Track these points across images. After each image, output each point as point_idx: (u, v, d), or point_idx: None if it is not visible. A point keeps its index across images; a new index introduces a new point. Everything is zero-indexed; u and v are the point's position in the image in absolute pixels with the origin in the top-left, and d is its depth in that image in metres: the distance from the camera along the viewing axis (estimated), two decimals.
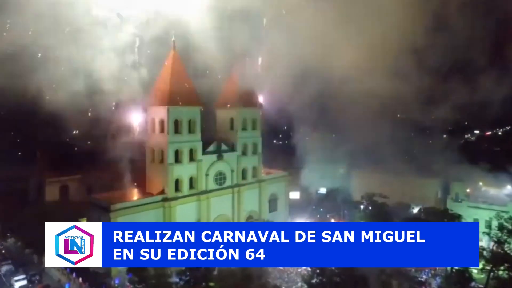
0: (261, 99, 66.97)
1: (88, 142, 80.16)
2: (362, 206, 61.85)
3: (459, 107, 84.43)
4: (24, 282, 48.77)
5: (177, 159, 55.34)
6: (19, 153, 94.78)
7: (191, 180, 57.05)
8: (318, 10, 56.78)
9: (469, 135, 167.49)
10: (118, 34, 58.09)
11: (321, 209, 74.17)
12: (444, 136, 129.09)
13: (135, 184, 56.92)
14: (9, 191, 68.78)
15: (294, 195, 79.58)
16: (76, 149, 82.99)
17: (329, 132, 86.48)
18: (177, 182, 55.33)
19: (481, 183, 65.65)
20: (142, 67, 61.67)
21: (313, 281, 38.67)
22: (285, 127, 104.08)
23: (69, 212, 57.20)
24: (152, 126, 56.33)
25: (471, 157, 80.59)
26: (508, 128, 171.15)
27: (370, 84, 75.24)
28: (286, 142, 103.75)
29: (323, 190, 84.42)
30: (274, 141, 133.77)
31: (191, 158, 56.73)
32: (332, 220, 70.29)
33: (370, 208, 60.80)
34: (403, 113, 77.86)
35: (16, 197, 67.25)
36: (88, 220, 53.92)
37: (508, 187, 63.59)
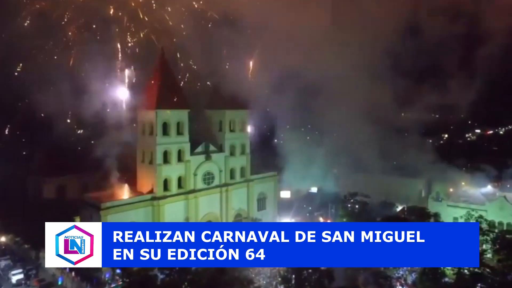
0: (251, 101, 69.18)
1: (92, 142, 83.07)
2: (349, 205, 63.74)
3: (462, 106, 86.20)
4: (21, 276, 51.71)
5: (166, 160, 57.93)
6: (24, 153, 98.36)
7: (179, 179, 59.57)
8: (303, 19, 59.18)
9: (470, 134, 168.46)
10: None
11: (310, 208, 76.43)
12: (443, 135, 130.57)
13: (127, 183, 59.58)
14: (9, 188, 72.36)
15: (285, 194, 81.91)
16: (79, 148, 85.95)
17: (319, 133, 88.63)
18: (165, 182, 57.90)
19: (463, 183, 67.32)
20: (133, 70, 64.82)
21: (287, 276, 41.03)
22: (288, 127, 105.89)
23: (65, 210, 60.41)
24: (142, 128, 58.99)
25: (468, 156, 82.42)
26: (510, 127, 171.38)
27: (364, 87, 77.63)
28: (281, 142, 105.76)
29: (314, 189, 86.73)
30: (275, 140, 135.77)
31: (180, 159, 59.25)
32: (320, 219, 72.61)
33: (355, 206, 62.94)
34: (395, 114, 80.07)
35: (15, 194, 70.55)
36: (81, 218, 56.85)
37: (489, 186, 65.16)
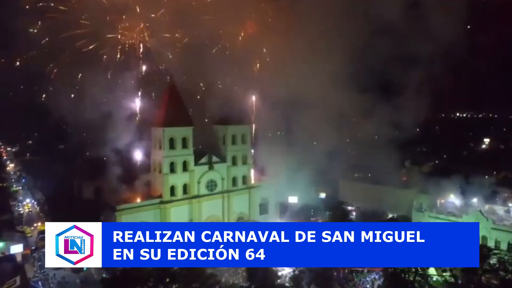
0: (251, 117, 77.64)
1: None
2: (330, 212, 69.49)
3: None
4: None
5: (172, 170, 68.20)
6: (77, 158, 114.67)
7: (184, 186, 69.53)
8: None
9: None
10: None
11: (312, 212, 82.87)
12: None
13: (144, 188, 70.58)
14: (61, 189, 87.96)
15: (293, 199, 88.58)
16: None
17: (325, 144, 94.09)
18: (172, 188, 68.14)
19: (451, 195, 69.57)
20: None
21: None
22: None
23: (97, 208, 73.27)
24: (154, 143, 69.88)
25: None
26: None
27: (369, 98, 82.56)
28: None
29: (323, 195, 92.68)
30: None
31: (185, 169, 69.22)
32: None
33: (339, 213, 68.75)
34: (394, 128, 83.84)
35: (63, 194, 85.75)
36: (104, 216, 69.11)
37: (475, 199, 66.93)
